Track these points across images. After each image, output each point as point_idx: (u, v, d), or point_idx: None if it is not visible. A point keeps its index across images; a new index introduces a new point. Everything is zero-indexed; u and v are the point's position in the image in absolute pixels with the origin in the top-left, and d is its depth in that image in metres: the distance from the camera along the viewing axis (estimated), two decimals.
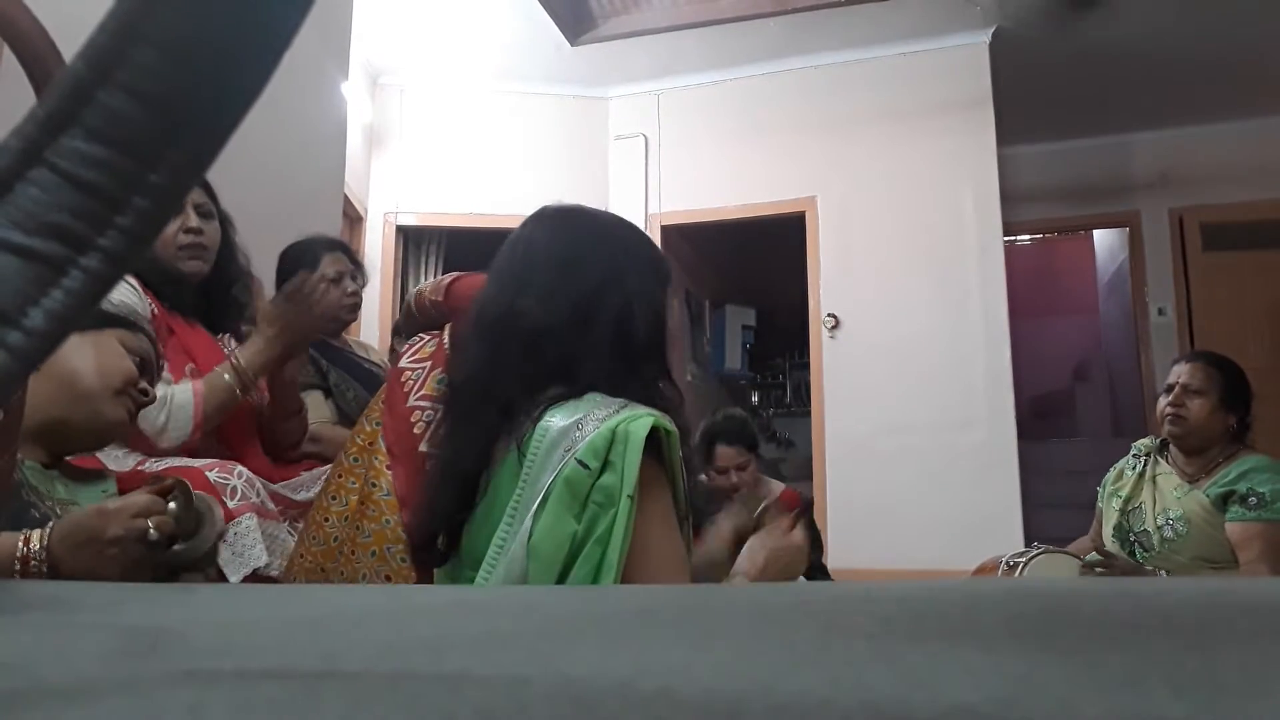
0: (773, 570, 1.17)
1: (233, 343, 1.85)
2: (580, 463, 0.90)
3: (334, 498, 1.36)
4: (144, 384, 1.28)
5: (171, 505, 1.05)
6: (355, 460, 1.37)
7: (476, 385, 1.03)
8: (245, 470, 1.46)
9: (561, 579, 0.89)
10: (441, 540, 1.05)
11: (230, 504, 1.38)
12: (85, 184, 0.29)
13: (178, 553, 1.04)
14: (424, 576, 1.16)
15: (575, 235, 1.09)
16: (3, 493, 0.65)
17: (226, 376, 1.63)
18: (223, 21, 0.28)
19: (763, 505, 1.34)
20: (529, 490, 0.93)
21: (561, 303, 1.01)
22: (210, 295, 1.83)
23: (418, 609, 0.48)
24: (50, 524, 1.00)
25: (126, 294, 1.64)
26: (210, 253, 1.80)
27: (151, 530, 0.99)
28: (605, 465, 0.90)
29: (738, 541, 1.26)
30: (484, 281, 1.12)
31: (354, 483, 1.35)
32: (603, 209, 1.18)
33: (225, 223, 1.86)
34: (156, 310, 1.68)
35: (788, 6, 4.44)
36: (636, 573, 0.91)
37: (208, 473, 1.40)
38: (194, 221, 1.76)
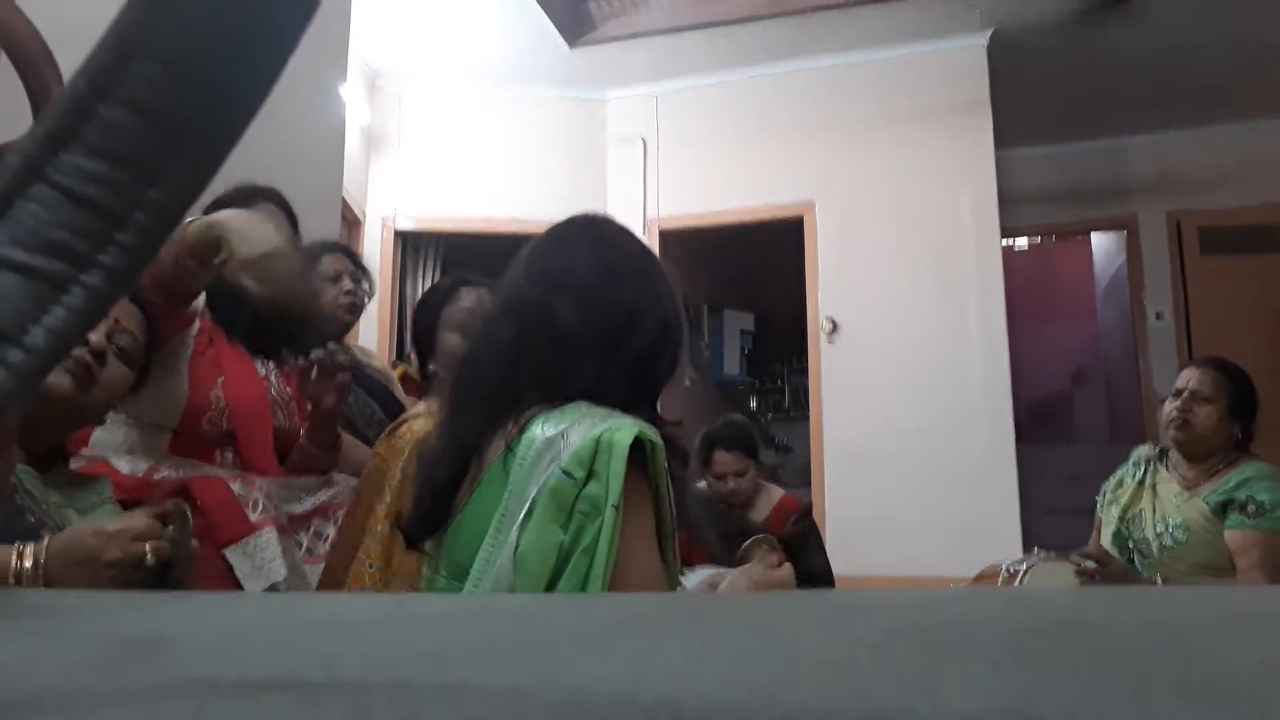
0: None
1: (271, 366, 1.79)
2: (565, 472, 0.89)
3: (370, 534, 1.33)
4: (80, 352, 1.17)
5: (170, 529, 1.04)
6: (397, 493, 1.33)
7: (495, 369, 1.01)
8: (265, 483, 1.45)
9: (548, 591, 0.87)
10: (430, 505, 1.02)
11: (252, 517, 1.37)
12: (86, 200, 0.28)
13: (169, 576, 1.03)
14: None
15: (615, 245, 1.07)
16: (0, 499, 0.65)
17: None
18: (222, 36, 0.28)
19: (748, 542, 1.46)
20: (514, 502, 0.92)
21: (597, 313, 0.99)
22: (263, 322, 1.73)
23: (417, 618, 0.48)
24: (46, 540, 0.99)
25: None
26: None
27: (149, 556, 0.99)
28: (590, 475, 0.89)
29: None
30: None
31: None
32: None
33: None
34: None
35: (786, 9, 4.45)
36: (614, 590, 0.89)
37: (231, 484, 1.39)
38: None
